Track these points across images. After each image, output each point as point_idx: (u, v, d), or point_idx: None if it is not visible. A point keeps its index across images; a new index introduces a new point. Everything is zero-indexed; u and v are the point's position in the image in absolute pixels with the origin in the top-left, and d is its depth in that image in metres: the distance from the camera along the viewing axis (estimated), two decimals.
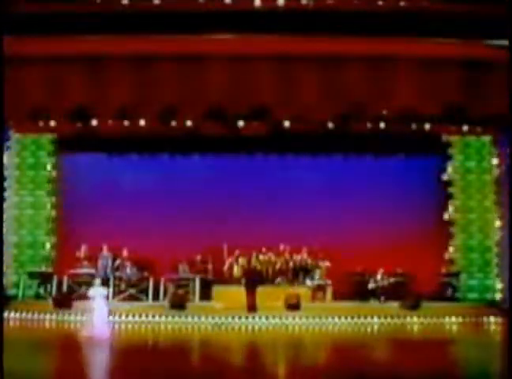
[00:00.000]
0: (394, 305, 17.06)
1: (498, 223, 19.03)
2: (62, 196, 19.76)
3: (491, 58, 15.60)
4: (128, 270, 18.40)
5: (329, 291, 18.47)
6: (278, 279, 18.75)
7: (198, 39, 15.61)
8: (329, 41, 15.54)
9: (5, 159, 18.16)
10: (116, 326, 14.71)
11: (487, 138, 19.53)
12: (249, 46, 15.70)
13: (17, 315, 16.25)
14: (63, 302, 16.66)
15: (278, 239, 18.89)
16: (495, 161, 19.30)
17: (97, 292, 12.43)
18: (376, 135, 18.65)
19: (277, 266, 18.96)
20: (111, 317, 12.80)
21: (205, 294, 18.12)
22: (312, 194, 19.25)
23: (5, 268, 17.33)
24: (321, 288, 18.44)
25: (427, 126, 18.28)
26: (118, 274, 18.30)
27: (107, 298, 12.82)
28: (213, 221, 18.85)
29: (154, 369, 10.13)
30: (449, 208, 19.69)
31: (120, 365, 10.44)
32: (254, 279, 16.91)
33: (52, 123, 18.13)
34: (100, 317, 12.02)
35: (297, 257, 19.01)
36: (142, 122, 17.69)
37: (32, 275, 18.50)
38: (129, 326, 15.04)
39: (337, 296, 18.47)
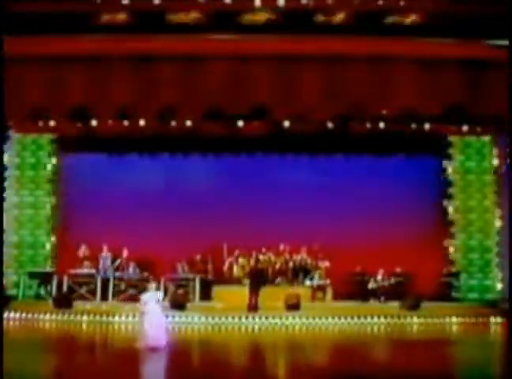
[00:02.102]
0: (394, 305, 17.06)
1: (498, 223, 19.03)
2: (62, 196, 19.77)
3: (491, 58, 15.58)
4: (128, 270, 18.41)
5: (329, 291, 18.51)
6: (278, 279, 18.76)
7: (198, 39, 15.61)
8: (329, 41, 15.54)
9: (5, 159, 18.16)
10: (121, 327, 14.73)
11: (487, 138, 19.54)
12: (249, 46, 15.69)
13: (17, 315, 16.22)
14: (63, 302, 16.65)
15: (278, 239, 18.91)
16: (495, 161, 19.30)
17: (151, 297, 11.95)
18: (376, 135, 18.68)
19: (277, 266, 18.98)
20: (166, 322, 12.35)
21: (205, 294, 18.14)
22: (312, 194, 19.24)
23: (5, 268, 17.33)
24: (321, 288, 18.47)
25: (427, 126, 18.32)
26: (118, 274, 18.31)
27: (161, 302, 12.33)
28: (213, 221, 18.85)
29: (154, 369, 10.14)
30: (449, 208, 19.70)
31: (119, 365, 10.44)
32: (258, 280, 16.88)
33: (52, 123, 18.17)
34: (154, 322, 11.64)
35: (297, 257, 19.03)
36: (142, 122, 17.72)
37: (32, 275, 18.49)
38: (129, 326, 15.03)
39: (337, 296, 18.49)
